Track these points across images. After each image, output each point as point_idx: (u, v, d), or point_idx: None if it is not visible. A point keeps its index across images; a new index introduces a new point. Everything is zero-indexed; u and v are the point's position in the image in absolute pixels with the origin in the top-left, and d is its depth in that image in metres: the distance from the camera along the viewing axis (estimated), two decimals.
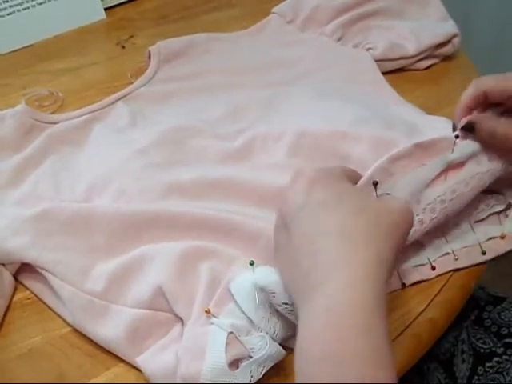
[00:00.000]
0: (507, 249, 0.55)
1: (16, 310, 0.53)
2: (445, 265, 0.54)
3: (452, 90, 0.74)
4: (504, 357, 0.60)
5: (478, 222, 0.56)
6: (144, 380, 0.48)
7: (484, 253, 0.55)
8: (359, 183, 0.49)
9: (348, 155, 0.60)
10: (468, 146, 0.52)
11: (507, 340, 0.60)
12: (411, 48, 0.75)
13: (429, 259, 0.54)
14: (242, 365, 0.44)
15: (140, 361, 0.47)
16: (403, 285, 0.53)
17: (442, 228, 0.55)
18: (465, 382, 0.61)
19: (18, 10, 0.84)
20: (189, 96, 0.72)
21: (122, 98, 0.71)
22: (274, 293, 0.46)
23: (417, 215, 0.50)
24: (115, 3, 0.91)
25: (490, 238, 0.55)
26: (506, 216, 0.56)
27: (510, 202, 0.56)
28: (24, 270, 0.55)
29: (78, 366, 0.49)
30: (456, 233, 0.55)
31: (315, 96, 0.69)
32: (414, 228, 0.49)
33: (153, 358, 0.47)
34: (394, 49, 0.75)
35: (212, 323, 0.46)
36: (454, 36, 0.77)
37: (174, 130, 0.65)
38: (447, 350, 0.65)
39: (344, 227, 0.41)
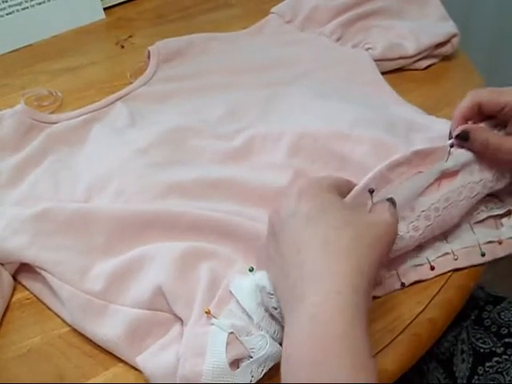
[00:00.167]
0: (503, 254, 0.55)
1: (15, 310, 0.53)
2: (444, 265, 0.54)
3: (451, 90, 0.74)
4: (504, 357, 0.59)
5: (477, 223, 0.56)
6: (143, 380, 0.48)
7: (483, 254, 0.55)
8: (354, 191, 0.50)
9: (348, 156, 0.60)
10: (462, 155, 0.53)
11: (507, 340, 0.60)
12: (410, 48, 0.75)
13: (428, 259, 0.54)
14: (243, 365, 0.44)
15: (140, 360, 0.47)
16: (402, 284, 0.53)
17: None
18: (464, 381, 0.61)
19: (17, 10, 0.84)
20: (188, 96, 0.72)
21: (121, 97, 0.71)
22: (271, 294, 0.47)
23: (411, 222, 0.51)
24: (114, 3, 0.91)
25: (489, 242, 0.55)
26: (502, 223, 0.57)
27: (509, 210, 0.57)
28: (23, 270, 0.55)
29: (76, 366, 0.49)
30: (456, 233, 0.55)
31: (314, 96, 0.69)
32: (409, 234, 0.51)
33: (152, 358, 0.47)
34: (393, 49, 0.75)
35: (212, 324, 0.46)
36: (454, 36, 0.77)
37: (173, 129, 0.65)
38: (447, 350, 0.65)
39: (327, 240, 0.43)
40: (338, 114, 0.65)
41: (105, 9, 0.90)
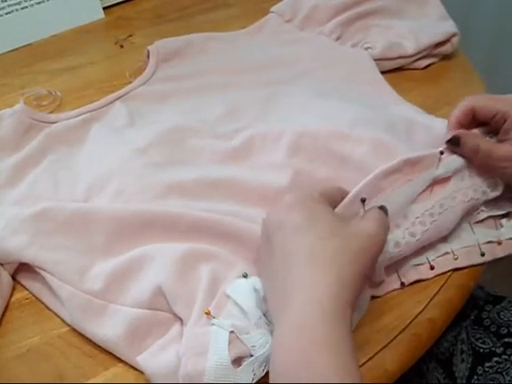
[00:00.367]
0: (503, 254, 0.56)
1: (14, 309, 0.53)
2: (444, 264, 0.54)
3: (451, 89, 0.74)
4: (503, 357, 0.59)
5: (477, 223, 0.56)
6: (143, 380, 0.48)
7: (483, 254, 0.55)
8: (346, 199, 0.51)
9: (347, 156, 0.60)
10: (453, 161, 0.54)
11: (506, 340, 0.60)
12: (410, 47, 0.75)
13: (428, 259, 0.54)
14: (245, 363, 0.44)
15: (140, 360, 0.47)
16: (402, 284, 0.53)
17: None
18: (464, 381, 0.61)
19: (17, 10, 0.84)
20: (187, 96, 0.71)
21: (120, 97, 0.71)
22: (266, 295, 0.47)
23: (406, 229, 0.52)
24: (113, 2, 0.91)
25: (488, 242, 0.56)
26: (501, 224, 0.57)
27: (509, 212, 0.57)
28: (22, 269, 0.55)
29: (76, 366, 0.49)
30: (455, 233, 0.55)
31: (314, 95, 0.69)
32: (405, 240, 0.51)
33: (153, 358, 0.47)
34: (392, 48, 0.75)
35: (213, 324, 0.46)
36: (453, 35, 0.77)
37: (172, 129, 0.65)
38: (446, 350, 0.65)
39: (313, 250, 0.44)
40: (338, 113, 0.65)
41: (104, 8, 0.90)
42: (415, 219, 0.52)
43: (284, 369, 0.41)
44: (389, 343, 0.50)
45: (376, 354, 0.49)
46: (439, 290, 0.53)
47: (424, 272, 0.54)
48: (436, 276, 0.54)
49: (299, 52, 0.77)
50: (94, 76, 0.78)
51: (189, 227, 0.54)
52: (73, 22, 0.87)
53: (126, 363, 0.49)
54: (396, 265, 0.53)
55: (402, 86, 0.73)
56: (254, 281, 0.49)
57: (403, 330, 0.51)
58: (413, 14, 0.80)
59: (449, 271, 0.54)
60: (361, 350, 0.49)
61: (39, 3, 0.84)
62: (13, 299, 0.54)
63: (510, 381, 0.58)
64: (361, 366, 0.48)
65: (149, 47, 0.76)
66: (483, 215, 0.56)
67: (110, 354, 0.49)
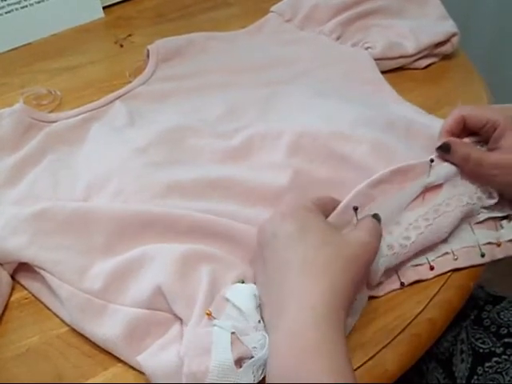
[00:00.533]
0: (501, 256, 0.56)
1: (13, 309, 0.53)
2: (444, 264, 0.54)
3: (451, 89, 0.74)
4: (503, 357, 0.59)
5: (477, 223, 0.57)
6: (143, 380, 0.47)
7: (483, 255, 0.55)
8: (338, 208, 0.52)
9: (347, 156, 0.60)
10: (443, 169, 0.56)
11: (506, 340, 0.60)
12: (410, 47, 0.75)
13: (427, 259, 0.54)
14: (245, 365, 0.44)
15: (140, 360, 0.47)
16: (402, 284, 0.53)
17: None
18: (464, 381, 0.61)
19: (16, 9, 0.84)
20: (187, 95, 0.71)
21: (120, 97, 0.71)
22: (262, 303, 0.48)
23: (400, 234, 0.53)
24: (113, 2, 0.91)
25: (488, 243, 0.56)
26: (502, 225, 0.57)
27: (509, 214, 0.57)
28: (22, 269, 0.55)
29: (75, 366, 0.49)
30: (455, 233, 0.55)
31: (314, 95, 0.69)
32: (398, 242, 0.52)
33: (153, 358, 0.47)
34: (393, 48, 0.75)
35: (214, 325, 0.46)
36: (453, 35, 0.77)
37: (172, 129, 0.65)
38: (446, 350, 0.65)
39: (305, 259, 0.45)
40: (338, 113, 0.65)
41: (104, 7, 0.90)
42: (409, 225, 0.53)
43: (280, 372, 0.42)
44: (389, 343, 0.50)
45: (376, 354, 0.49)
46: (439, 290, 0.53)
47: (424, 272, 0.54)
48: (436, 276, 0.54)
49: (299, 52, 0.77)
50: (94, 75, 0.78)
51: (188, 228, 0.54)
52: (73, 21, 0.87)
53: (125, 363, 0.49)
54: (396, 265, 0.53)
55: (403, 86, 0.73)
56: (253, 286, 0.49)
57: (403, 330, 0.51)
58: (413, 14, 0.80)
59: (448, 271, 0.54)
60: (361, 349, 0.49)
61: (39, 2, 0.84)
62: (12, 299, 0.54)
63: (509, 381, 0.58)
64: (361, 365, 0.48)
65: (149, 47, 0.76)
66: (483, 216, 0.56)
67: (109, 354, 0.49)
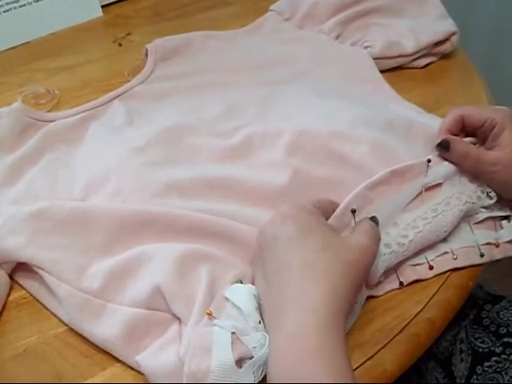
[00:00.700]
0: (500, 257, 0.56)
1: (12, 309, 0.53)
2: (443, 264, 0.54)
3: (450, 89, 0.74)
4: (503, 356, 0.59)
5: (476, 223, 0.57)
6: (142, 380, 0.47)
7: (482, 255, 0.55)
8: (337, 211, 0.52)
9: (347, 155, 0.60)
10: (441, 168, 0.56)
11: (506, 339, 0.60)
12: (409, 46, 0.75)
13: (427, 258, 0.54)
14: (246, 365, 0.44)
15: (139, 360, 0.47)
16: (401, 283, 0.53)
17: None
18: (463, 381, 0.61)
19: (15, 8, 0.83)
20: (186, 94, 0.71)
21: (118, 96, 0.71)
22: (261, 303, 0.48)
23: (398, 233, 0.53)
24: (112, 1, 0.91)
25: (487, 243, 0.56)
26: (501, 226, 0.57)
27: (509, 215, 0.57)
28: (20, 269, 0.55)
29: (74, 366, 0.49)
30: (455, 232, 0.55)
31: (313, 95, 0.69)
32: (396, 241, 0.52)
33: (152, 357, 0.47)
34: (392, 47, 0.75)
35: (214, 325, 0.46)
36: (453, 34, 0.77)
37: (170, 128, 0.65)
38: (446, 349, 0.65)
39: (306, 262, 0.45)
40: (337, 113, 0.65)
41: (102, 6, 0.90)
42: (407, 225, 0.53)
43: (280, 373, 0.42)
44: (388, 343, 0.50)
45: (375, 353, 0.49)
46: (438, 289, 0.53)
47: (423, 272, 0.54)
48: (435, 276, 0.54)
49: (298, 51, 0.77)
50: (93, 74, 0.77)
51: (187, 228, 0.54)
52: (71, 20, 0.87)
53: (123, 363, 0.48)
54: (395, 264, 0.53)
55: (402, 85, 0.73)
56: (252, 287, 0.49)
57: (402, 329, 0.50)
58: (412, 13, 0.80)
59: (448, 271, 0.54)
60: (360, 349, 0.49)
61: (37, 1, 0.84)
62: (10, 298, 0.54)
63: (509, 380, 0.58)
64: (360, 365, 0.48)
65: (147, 46, 0.76)
66: (483, 216, 0.56)
67: (108, 354, 0.49)
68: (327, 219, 0.51)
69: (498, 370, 0.59)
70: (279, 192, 0.58)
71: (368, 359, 0.49)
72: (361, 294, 0.50)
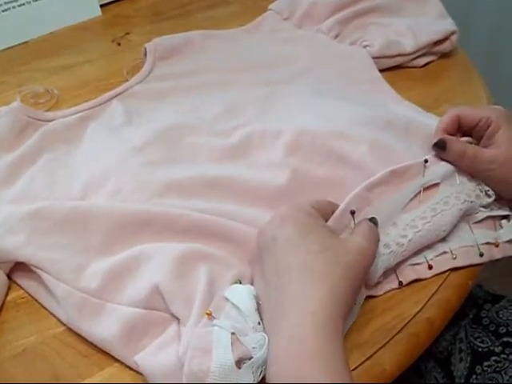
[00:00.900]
0: (500, 256, 0.56)
1: (10, 309, 0.53)
2: (442, 263, 0.54)
3: (450, 88, 0.74)
4: (502, 356, 0.59)
5: (476, 223, 0.56)
6: (140, 380, 0.47)
7: (481, 254, 0.55)
8: (336, 212, 0.52)
9: (346, 155, 0.60)
10: (439, 168, 0.56)
11: (505, 339, 0.60)
12: (409, 45, 0.75)
13: (426, 258, 0.54)
14: (245, 365, 0.44)
15: (138, 360, 0.47)
16: (400, 283, 0.53)
17: None
18: (462, 381, 0.61)
19: (14, 7, 0.83)
20: (185, 94, 0.71)
21: (117, 95, 0.71)
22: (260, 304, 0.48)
23: (397, 233, 0.53)
24: (110, 0, 0.91)
25: (486, 243, 0.56)
26: (501, 225, 0.57)
27: (509, 215, 0.57)
28: (18, 268, 0.55)
29: (72, 366, 0.49)
30: (454, 232, 0.55)
31: (312, 94, 0.69)
32: (395, 241, 0.52)
33: (151, 357, 0.47)
34: (391, 46, 0.75)
35: (214, 325, 0.46)
36: (452, 33, 0.76)
37: (170, 127, 0.65)
38: (445, 349, 0.65)
39: (305, 264, 0.45)
40: (337, 112, 0.65)
41: (101, 6, 0.90)
42: (406, 225, 0.53)
43: (279, 373, 0.42)
44: (387, 343, 0.49)
45: (374, 353, 0.49)
46: (437, 289, 0.53)
47: (422, 271, 0.54)
48: (434, 275, 0.54)
49: (297, 50, 0.77)
50: (91, 74, 0.77)
51: (186, 227, 0.54)
52: (70, 19, 0.87)
53: (121, 363, 0.48)
54: (394, 264, 0.53)
55: (401, 85, 0.73)
56: (251, 287, 0.49)
57: (401, 329, 0.50)
58: (412, 12, 0.80)
59: (447, 271, 0.54)
60: (359, 349, 0.49)
61: (36, 0, 0.84)
62: (8, 298, 0.54)
63: (508, 380, 0.58)
64: (359, 365, 0.48)
65: (146, 45, 0.76)
66: (482, 215, 0.56)
67: (106, 354, 0.49)
68: (326, 221, 0.51)
69: (498, 369, 0.59)
70: (278, 192, 0.58)
71: (367, 359, 0.48)
72: (360, 295, 0.50)
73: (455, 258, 0.54)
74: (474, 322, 0.63)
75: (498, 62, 1.32)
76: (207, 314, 0.46)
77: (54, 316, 0.52)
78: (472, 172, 0.57)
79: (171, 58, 0.76)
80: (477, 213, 0.56)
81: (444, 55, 0.78)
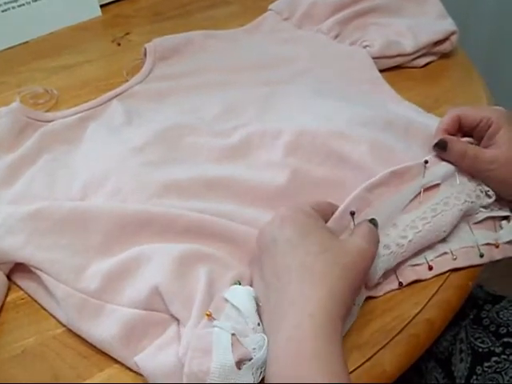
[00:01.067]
0: (500, 257, 0.56)
1: (9, 310, 0.53)
2: (442, 264, 0.54)
3: (450, 88, 0.74)
4: (502, 356, 0.59)
5: (476, 223, 0.56)
6: (141, 381, 0.47)
7: (482, 255, 0.55)
8: (336, 213, 0.52)
9: (346, 155, 0.60)
10: (439, 169, 0.56)
11: (506, 339, 0.60)
12: (409, 45, 0.75)
13: (426, 259, 0.54)
14: (245, 366, 0.44)
15: (138, 360, 0.47)
16: (400, 284, 0.53)
17: None
18: (463, 381, 0.61)
19: (13, 7, 0.83)
20: (185, 94, 0.71)
21: (117, 95, 0.71)
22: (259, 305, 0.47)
23: (397, 234, 0.53)
24: (111, 0, 0.91)
25: (486, 244, 0.56)
26: (501, 226, 0.57)
27: (509, 216, 0.57)
28: (18, 269, 0.55)
29: (71, 366, 0.49)
30: (454, 233, 0.55)
31: (312, 94, 0.69)
32: (395, 242, 0.52)
33: (151, 358, 0.47)
34: (391, 46, 0.75)
35: (214, 326, 0.46)
36: (452, 33, 0.76)
37: (169, 127, 0.65)
38: (445, 349, 0.65)
39: (304, 265, 0.46)
40: (337, 112, 0.65)
41: (101, 6, 0.90)
42: (406, 226, 0.53)
43: (279, 374, 0.42)
44: (387, 344, 0.49)
45: (374, 354, 0.49)
46: (437, 290, 0.53)
47: (422, 272, 0.54)
48: (434, 276, 0.54)
49: (297, 51, 0.77)
50: (91, 74, 0.77)
51: (186, 228, 0.54)
52: (70, 19, 0.87)
53: (121, 364, 0.48)
54: (394, 265, 0.53)
55: (401, 85, 0.73)
56: (250, 289, 0.49)
57: (401, 330, 0.50)
58: (412, 12, 0.80)
59: (447, 271, 0.54)
60: (359, 350, 0.49)
61: (36, 1, 0.84)
62: (8, 299, 0.54)
63: (508, 381, 0.58)
64: (359, 366, 0.48)
65: (146, 45, 0.76)
66: (482, 216, 0.56)
67: (105, 355, 0.49)
68: (326, 222, 0.51)
69: (498, 370, 0.59)
70: (278, 192, 0.58)
71: (367, 360, 0.48)
72: (359, 296, 0.50)
73: (455, 259, 0.54)
74: (474, 323, 0.63)
75: (497, 62, 1.32)
76: (207, 314, 0.46)
77: (54, 317, 0.52)
78: (472, 172, 0.57)
79: (171, 58, 0.76)
80: (477, 213, 0.56)
81: (444, 55, 0.78)
